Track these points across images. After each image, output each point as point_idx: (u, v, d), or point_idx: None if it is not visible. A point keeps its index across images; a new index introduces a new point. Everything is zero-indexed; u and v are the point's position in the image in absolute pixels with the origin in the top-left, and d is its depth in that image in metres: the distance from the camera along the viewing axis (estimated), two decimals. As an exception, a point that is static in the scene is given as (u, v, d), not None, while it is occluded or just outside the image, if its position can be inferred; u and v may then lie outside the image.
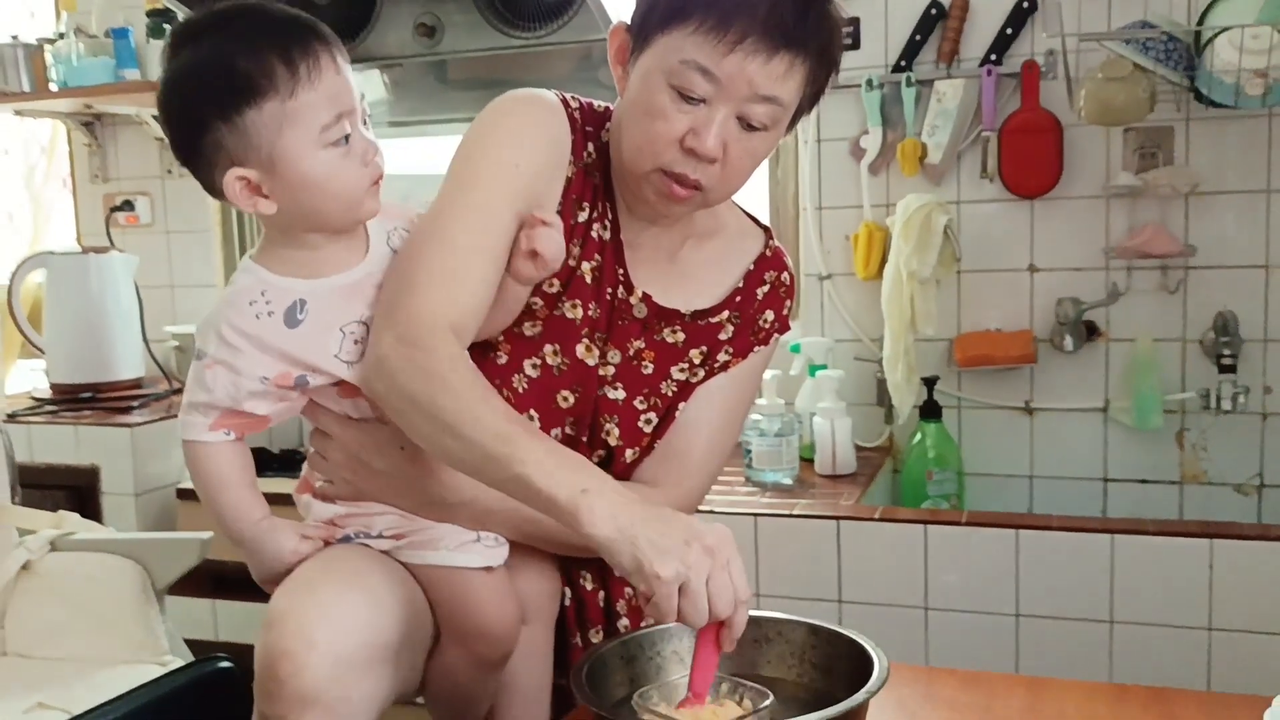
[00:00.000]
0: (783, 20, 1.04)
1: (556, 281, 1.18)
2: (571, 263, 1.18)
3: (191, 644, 1.90)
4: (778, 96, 1.07)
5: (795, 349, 2.46)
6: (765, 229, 1.31)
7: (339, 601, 1.03)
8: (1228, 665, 1.85)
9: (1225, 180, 2.27)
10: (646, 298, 1.22)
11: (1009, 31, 2.33)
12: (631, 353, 1.22)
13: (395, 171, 1.16)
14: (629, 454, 1.22)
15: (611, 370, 1.22)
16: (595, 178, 1.20)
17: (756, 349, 1.28)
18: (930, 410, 2.38)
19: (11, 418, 2.58)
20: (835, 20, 1.10)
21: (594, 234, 1.19)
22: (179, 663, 1.76)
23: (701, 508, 1.36)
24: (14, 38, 2.89)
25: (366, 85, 2.67)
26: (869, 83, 2.41)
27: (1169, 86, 2.18)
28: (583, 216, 1.19)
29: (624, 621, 1.26)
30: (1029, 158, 2.33)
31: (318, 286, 1.09)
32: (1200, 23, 2.14)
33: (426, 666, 1.18)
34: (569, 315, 1.18)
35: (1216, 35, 2.08)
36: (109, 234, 2.97)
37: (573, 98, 1.21)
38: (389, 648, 1.06)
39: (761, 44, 1.04)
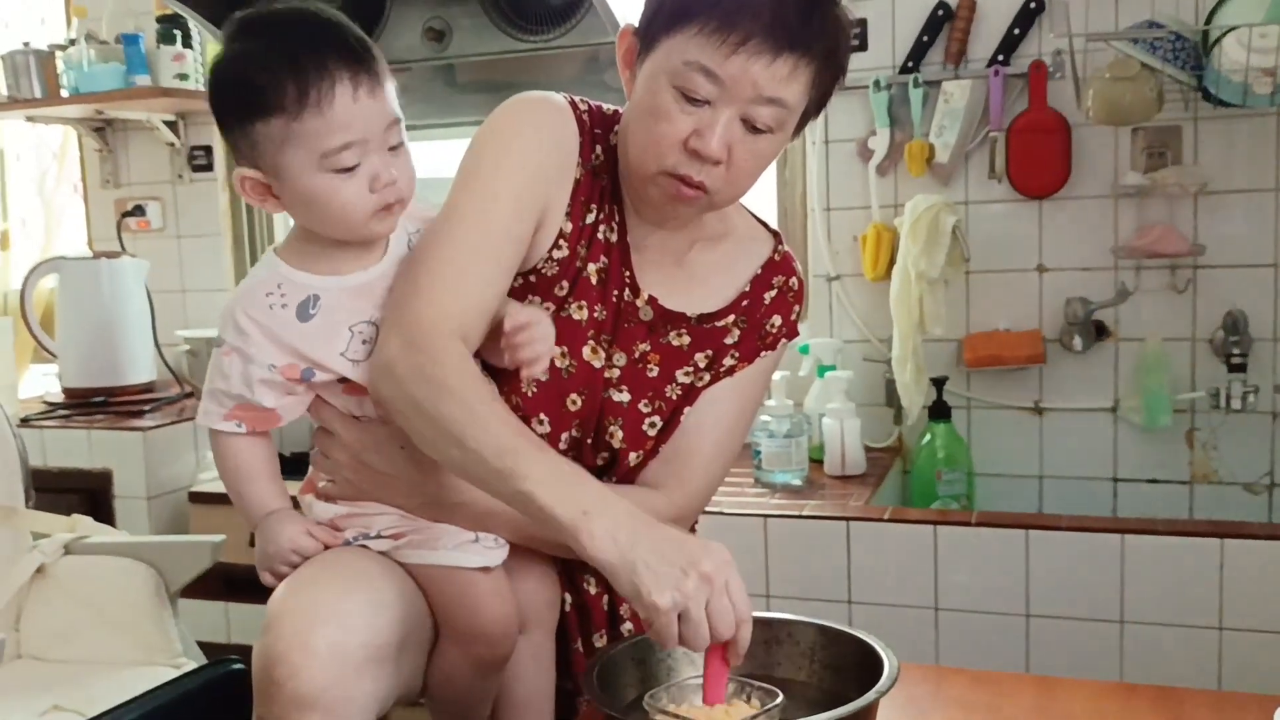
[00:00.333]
0: (787, 22, 1.04)
1: (565, 283, 1.18)
2: (578, 264, 1.18)
3: (204, 646, 1.91)
4: (782, 98, 1.07)
5: (804, 350, 2.46)
6: (775, 233, 1.30)
7: (337, 603, 1.03)
8: (1238, 665, 1.85)
9: (1234, 179, 2.26)
10: (653, 300, 1.22)
11: (1016, 32, 2.34)
12: (637, 355, 1.22)
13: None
14: (633, 457, 1.22)
15: (617, 373, 1.22)
16: (603, 180, 1.20)
17: (763, 354, 1.27)
18: (939, 410, 2.38)
19: (25, 422, 2.59)
20: (841, 22, 1.10)
21: (601, 236, 1.20)
22: (192, 665, 1.77)
23: (710, 509, 1.36)
24: (25, 44, 2.91)
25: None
26: (876, 84, 2.41)
27: (1177, 86, 2.18)
28: (590, 219, 1.19)
29: (628, 625, 1.26)
30: (1037, 158, 2.33)
31: (331, 284, 1.10)
32: (1208, 22, 2.13)
33: (427, 669, 1.19)
34: (575, 317, 1.19)
35: (1224, 34, 2.08)
36: (120, 239, 2.98)
37: (581, 100, 1.21)
38: (388, 648, 1.06)
39: (765, 45, 1.04)
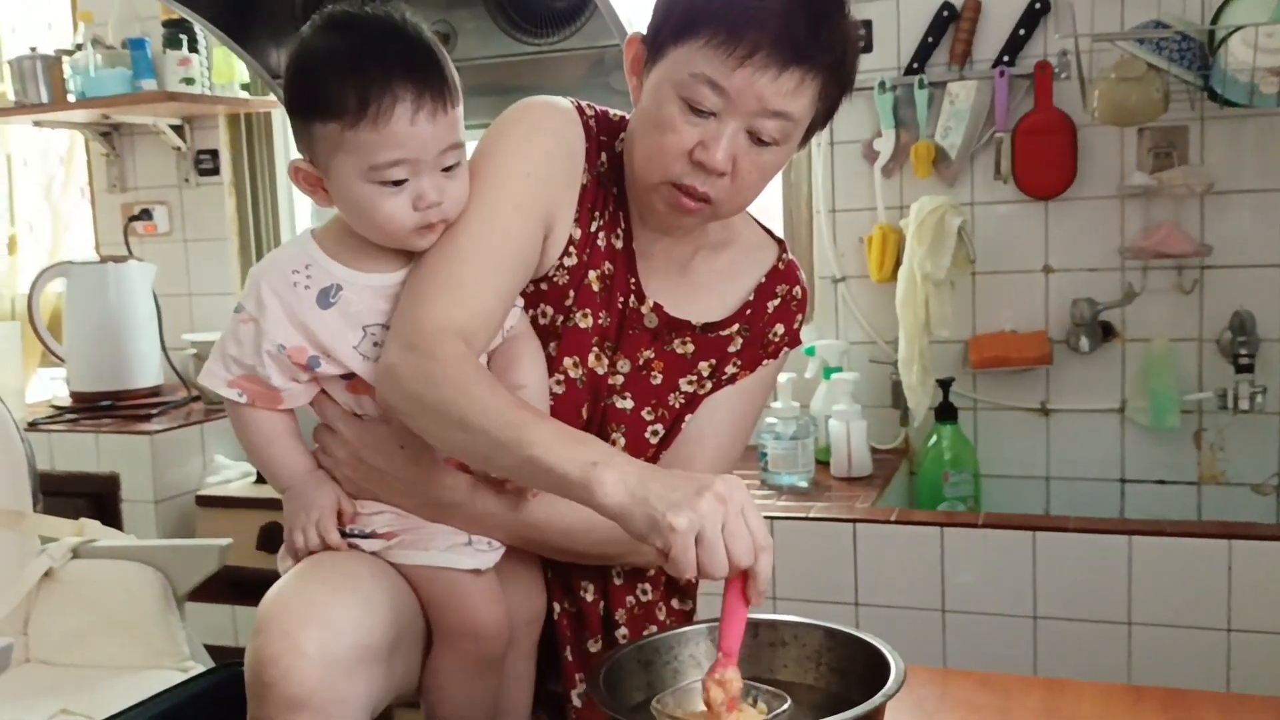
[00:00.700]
0: (794, 35, 1.03)
1: (571, 293, 1.18)
2: (582, 272, 1.18)
3: (211, 650, 1.92)
4: (788, 112, 1.07)
5: (810, 352, 2.46)
6: (779, 241, 1.30)
7: (327, 603, 1.03)
8: (1247, 667, 1.84)
9: (1240, 179, 2.26)
10: (658, 308, 1.22)
11: (1021, 32, 2.33)
12: (641, 363, 1.22)
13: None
14: None
15: (620, 380, 1.22)
16: (608, 186, 1.20)
17: (765, 362, 1.27)
18: (946, 412, 2.38)
19: (32, 426, 2.60)
20: (850, 35, 1.10)
21: (606, 243, 1.20)
22: (199, 668, 1.77)
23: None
24: (32, 49, 2.92)
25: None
26: (881, 85, 2.41)
27: (1183, 86, 2.17)
28: (595, 225, 1.19)
29: (623, 631, 1.26)
30: (1042, 158, 2.33)
31: (357, 278, 1.10)
32: (1214, 22, 2.13)
33: (422, 671, 1.18)
34: (581, 325, 1.19)
35: (1230, 34, 2.07)
36: (127, 243, 2.99)
37: (588, 105, 1.21)
38: (380, 649, 1.06)
39: (772, 59, 1.03)
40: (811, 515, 2.08)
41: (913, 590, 2.00)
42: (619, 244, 1.21)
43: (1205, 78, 2.15)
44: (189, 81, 2.84)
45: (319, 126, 1.04)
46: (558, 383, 1.18)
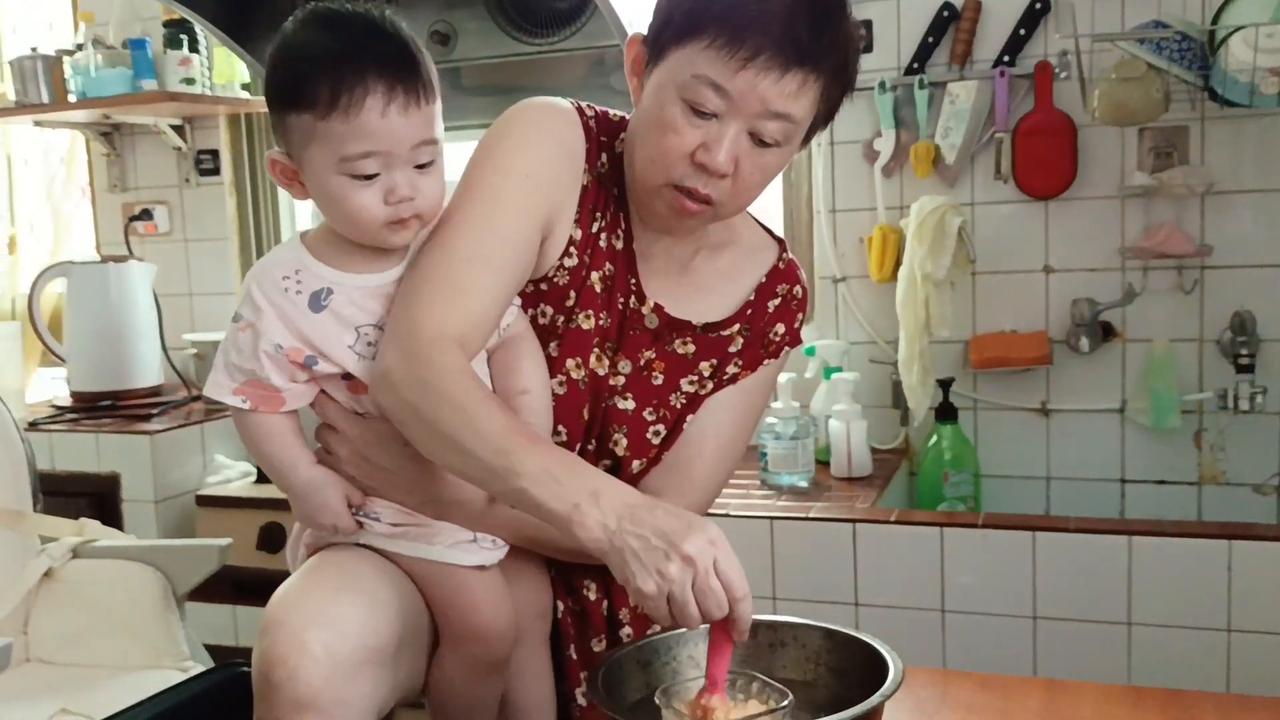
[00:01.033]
0: (797, 37, 1.04)
1: (573, 293, 1.18)
2: (583, 273, 1.18)
3: (212, 649, 1.92)
4: (790, 113, 1.07)
5: (810, 352, 2.46)
6: (780, 241, 1.30)
7: (333, 604, 1.03)
8: (1247, 667, 1.84)
9: (1241, 179, 2.26)
10: (658, 308, 1.22)
11: (1022, 32, 2.33)
12: (642, 363, 1.22)
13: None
14: (636, 465, 1.22)
15: (622, 380, 1.22)
16: (609, 187, 1.20)
17: (766, 362, 1.27)
18: (946, 412, 2.38)
19: (33, 426, 2.60)
20: (852, 37, 1.10)
21: (607, 243, 1.20)
22: (199, 668, 1.78)
23: (716, 511, 1.36)
24: (33, 50, 2.92)
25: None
26: (882, 85, 2.41)
27: (1183, 86, 2.17)
28: (596, 226, 1.19)
29: (627, 630, 1.26)
30: (1043, 159, 2.33)
31: (346, 280, 1.11)
32: (1214, 22, 2.13)
33: (427, 674, 1.19)
34: (583, 326, 1.19)
35: (1231, 34, 2.07)
36: (128, 243, 2.99)
37: (588, 106, 1.21)
38: (386, 650, 1.06)
39: (774, 61, 1.04)
40: (811, 515, 2.08)
41: (912, 590, 2.00)
42: (619, 245, 1.21)
43: (1205, 78, 2.14)
44: (189, 82, 2.85)
45: (293, 117, 1.05)
46: (559, 384, 1.18)
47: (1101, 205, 2.34)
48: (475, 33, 2.61)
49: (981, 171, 2.40)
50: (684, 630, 1.12)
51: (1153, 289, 2.32)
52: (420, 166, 1.08)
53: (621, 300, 1.21)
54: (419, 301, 1.06)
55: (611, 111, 1.23)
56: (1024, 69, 2.33)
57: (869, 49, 2.43)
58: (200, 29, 2.82)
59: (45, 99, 2.90)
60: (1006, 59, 2.34)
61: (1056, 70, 2.30)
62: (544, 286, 1.18)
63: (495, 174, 1.13)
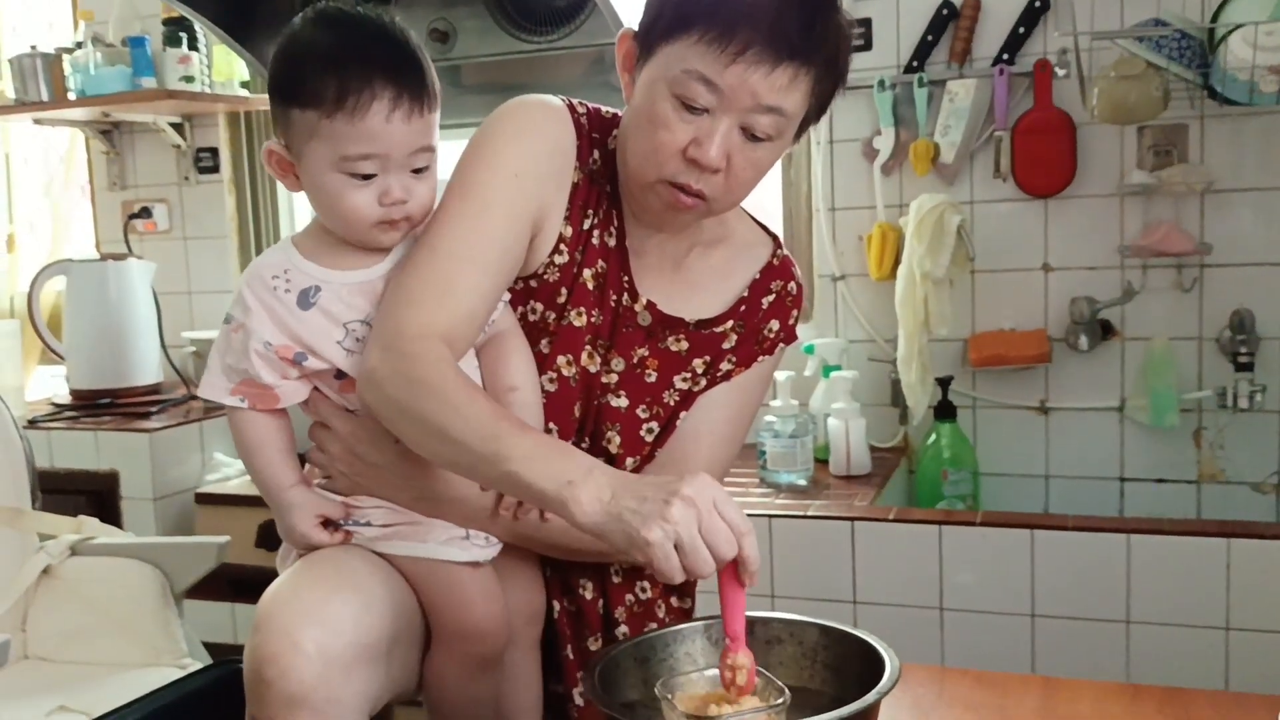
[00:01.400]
0: (787, 31, 1.04)
1: (565, 290, 1.18)
2: (574, 270, 1.18)
3: (210, 647, 1.92)
4: (781, 107, 1.07)
5: (809, 350, 2.46)
6: (774, 237, 1.30)
7: (326, 602, 1.03)
8: (1245, 665, 1.84)
9: (1240, 177, 2.26)
10: (651, 305, 1.22)
11: (1021, 30, 2.33)
12: (635, 361, 1.22)
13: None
14: (629, 462, 1.22)
15: (615, 378, 1.22)
16: (601, 184, 1.20)
17: (760, 359, 1.27)
18: (945, 410, 2.38)
19: (32, 423, 2.60)
20: (842, 31, 1.10)
21: (599, 240, 1.20)
22: (197, 666, 1.78)
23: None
24: (32, 48, 2.92)
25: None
26: (881, 83, 2.41)
27: (1182, 84, 2.17)
28: (588, 223, 1.19)
29: (623, 629, 1.26)
30: (1042, 157, 2.33)
31: (334, 277, 1.12)
32: (1214, 20, 2.13)
33: (422, 672, 1.19)
34: (575, 324, 1.19)
35: (1230, 32, 2.07)
36: (127, 241, 2.99)
37: (579, 103, 1.21)
38: (378, 647, 1.06)
39: (765, 55, 1.04)
40: (810, 513, 2.08)
41: (911, 589, 2.00)
42: (612, 241, 1.21)
43: (1205, 76, 2.14)
44: (189, 80, 2.85)
45: (297, 113, 1.07)
46: (550, 381, 1.18)
47: (1101, 203, 2.34)
48: (474, 30, 2.61)
49: (981, 170, 2.40)
50: (681, 627, 1.13)
51: (1152, 287, 2.32)
52: (415, 171, 1.10)
53: (614, 297, 1.21)
54: (405, 300, 1.07)
55: (604, 108, 1.23)
56: (1023, 67, 2.33)
57: (868, 47, 2.43)
58: (199, 27, 2.82)
59: (45, 97, 2.90)
60: (1006, 57, 2.34)
61: (1056, 68, 2.30)
62: (534, 284, 1.18)
63: (483, 173, 1.13)
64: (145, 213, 3.10)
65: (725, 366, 1.25)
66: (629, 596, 1.27)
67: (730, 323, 1.25)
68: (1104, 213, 2.34)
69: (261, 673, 1.00)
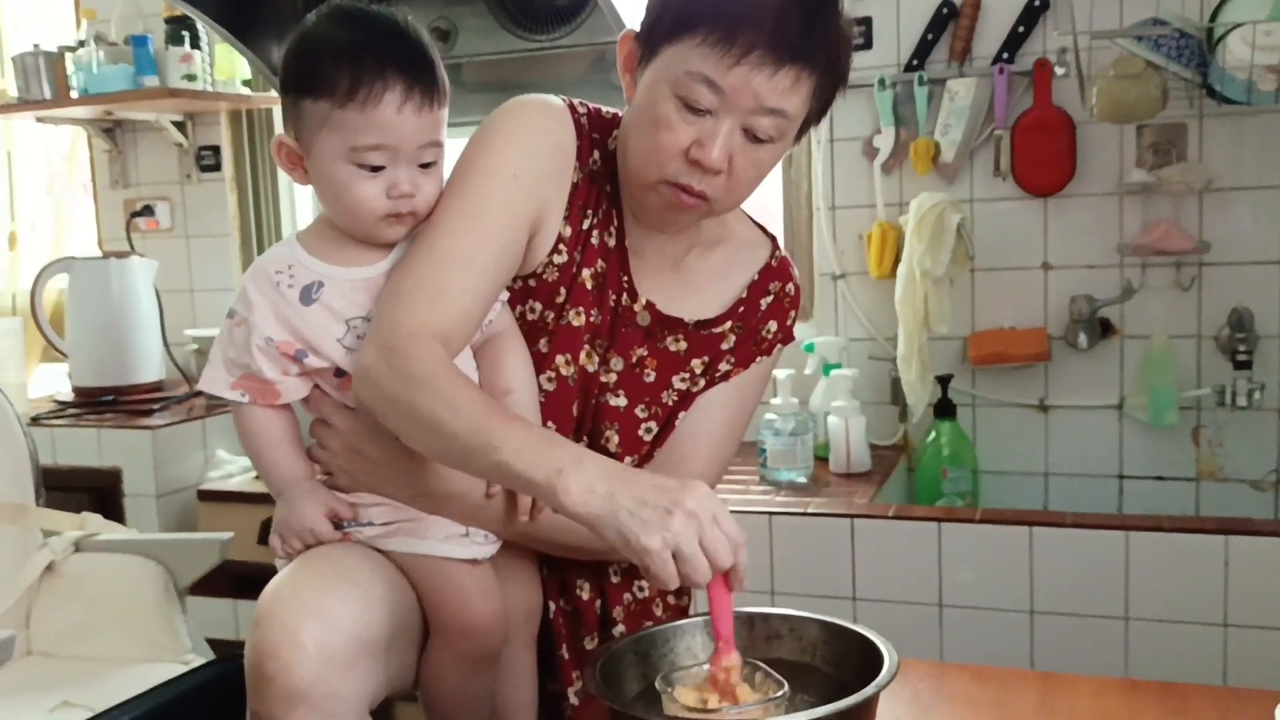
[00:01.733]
0: (789, 34, 1.04)
1: (564, 290, 1.19)
2: (573, 269, 1.19)
3: (213, 643, 1.92)
4: (783, 109, 1.07)
5: (809, 348, 2.46)
6: (772, 238, 1.30)
7: (325, 598, 1.04)
8: (1243, 661, 1.85)
9: (1239, 176, 2.26)
10: (650, 305, 1.22)
11: (1021, 30, 2.34)
12: (634, 360, 1.23)
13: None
14: (628, 461, 1.22)
15: (614, 378, 1.22)
16: (601, 184, 1.20)
17: (759, 359, 1.28)
18: (945, 408, 2.39)
19: (35, 421, 2.61)
20: (844, 33, 1.10)
21: (599, 240, 1.20)
22: (200, 662, 1.78)
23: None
24: (35, 46, 2.93)
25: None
26: (881, 82, 2.41)
27: (1181, 83, 2.18)
28: (587, 223, 1.20)
29: (620, 628, 1.26)
30: (1042, 156, 2.33)
31: (337, 273, 1.12)
32: (1213, 19, 2.13)
33: (419, 670, 1.19)
34: (574, 323, 1.19)
35: (1229, 32, 2.08)
36: (129, 239, 3.00)
37: (580, 103, 1.21)
38: (377, 643, 1.07)
39: (767, 57, 1.04)
40: (810, 511, 2.08)
41: (910, 585, 2.01)
42: (611, 242, 1.21)
43: (1204, 75, 2.15)
44: (191, 78, 2.85)
45: (309, 103, 1.08)
46: (549, 380, 1.19)
47: (1100, 202, 2.35)
48: (476, 29, 2.62)
49: (980, 168, 2.41)
50: (681, 622, 1.13)
51: (1151, 285, 2.33)
52: (423, 166, 1.11)
53: (613, 297, 1.21)
54: (401, 299, 1.07)
55: (604, 109, 1.23)
56: (1023, 66, 2.34)
57: (868, 45, 2.44)
58: (202, 25, 2.83)
59: (47, 95, 2.91)
60: (1006, 56, 2.35)
61: (1055, 67, 2.31)
62: (533, 283, 1.19)
63: (482, 173, 1.13)
64: (147, 211, 3.11)
65: (724, 367, 1.26)
66: (626, 596, 1.28)
67: (729, 323, 1.25)
68: (1103, 211, 2.35)
69: (262, 668, 1.00)
